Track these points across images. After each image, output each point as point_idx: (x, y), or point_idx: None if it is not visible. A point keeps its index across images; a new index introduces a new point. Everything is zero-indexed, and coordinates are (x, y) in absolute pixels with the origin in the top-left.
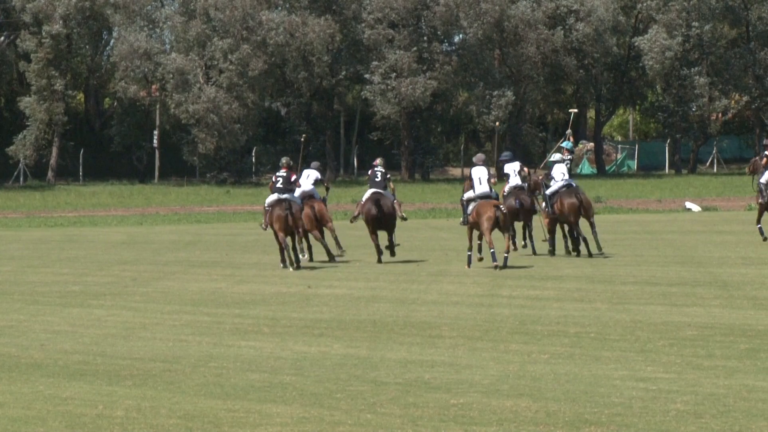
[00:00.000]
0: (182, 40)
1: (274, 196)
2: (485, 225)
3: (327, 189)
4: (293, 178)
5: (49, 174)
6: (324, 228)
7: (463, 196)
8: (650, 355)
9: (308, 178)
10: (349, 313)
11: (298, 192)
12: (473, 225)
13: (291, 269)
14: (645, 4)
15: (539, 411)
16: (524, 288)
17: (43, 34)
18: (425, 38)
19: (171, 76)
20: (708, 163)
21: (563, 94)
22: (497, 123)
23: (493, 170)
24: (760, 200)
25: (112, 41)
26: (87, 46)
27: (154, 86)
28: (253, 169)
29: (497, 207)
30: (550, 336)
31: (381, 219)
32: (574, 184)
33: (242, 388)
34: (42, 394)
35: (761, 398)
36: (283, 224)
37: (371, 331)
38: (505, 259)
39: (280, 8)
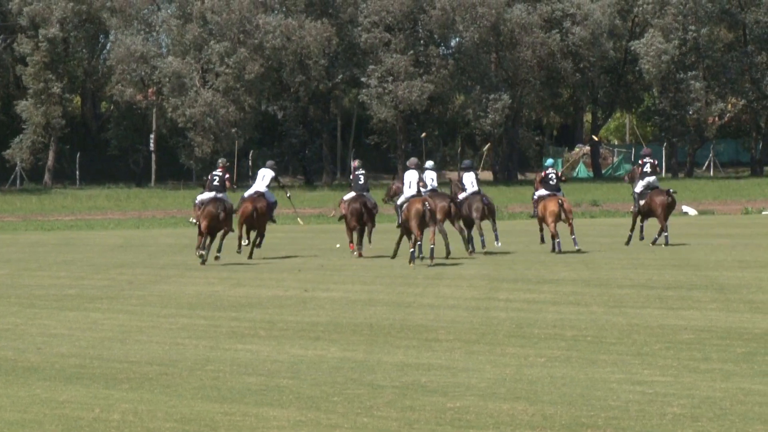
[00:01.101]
0: (179, 43)
1: (209, 194)
2: (413, 222)
3: (287, 192)
4: (226, 176)
5: (46, 177)
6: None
7: (396, 202)
8: (647, 358)
9: (263, 179)
10: (345, 317)
11: (251, 190)
12: (404, 223)
13: (201, 254)
14: (641, 8)
15: (536, 414)
16: (521, 291)
17: (40, 37)
18: (422, 42)
19: (167, 79)
20: (705, 167)
21: (560, 98)
22: (423, 134)
23: (436, 175)
24: (632, 209)
25: (109, 45)
26: (84, 50)
27: (150, 90)
28: (250, 173)
29: (424, 202)
30: (547, 339)
31: (363, 214)
32: (481, 192)
33: (239, 391)
34: (39, 397)
35: (758, 401)
36: (210, 221)
37: (368, 334)
38: (432, 250)
39: (276, 12)
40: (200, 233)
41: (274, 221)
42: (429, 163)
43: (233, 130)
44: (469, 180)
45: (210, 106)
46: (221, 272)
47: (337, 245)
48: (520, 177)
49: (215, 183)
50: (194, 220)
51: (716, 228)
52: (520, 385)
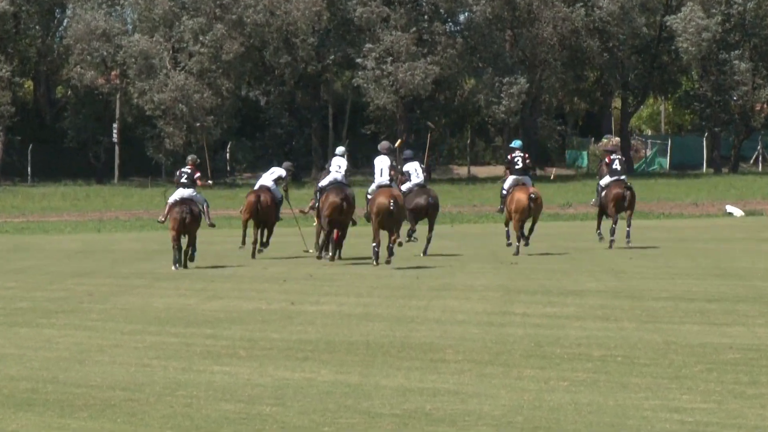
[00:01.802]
0: (146, 19)
1: (176, 194)
2: (373, 218)
3: (285, 191)
4: (197, 175)
5: None
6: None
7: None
8: (686, 381)
9: (272, 174)
10: (338, 334)
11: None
12: (367, 216)
13: (175, 268)
14: None
15: None
16: (540, 305)
17: None
18: (426, 17)
19: (133, 60)
20: (752, 161)
21: (585, 82)
22: (398, 143)
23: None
24: (591, 202)
25: (66, 21)
26: (37, 27)
27: (114, 72)
28: (228, 168)
29: (390, 197)
30: (571, 360)
31: (343, 211)
32: (427, 186)
33: (215, 420)
34: None
35: None
36: (178, 225)
37: (364, 354)
38: (390, 249)
39: None
40: (171, 239)
41: (279, 218)
42: (339, 149)
43: (209, 119)
44: (413, 167)
45: (182, 91)
46: (195, 282)
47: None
48: (538, 173)
49: (183, 180)
50: (162, 219)
51: (765, 231)
52: (539, 413)
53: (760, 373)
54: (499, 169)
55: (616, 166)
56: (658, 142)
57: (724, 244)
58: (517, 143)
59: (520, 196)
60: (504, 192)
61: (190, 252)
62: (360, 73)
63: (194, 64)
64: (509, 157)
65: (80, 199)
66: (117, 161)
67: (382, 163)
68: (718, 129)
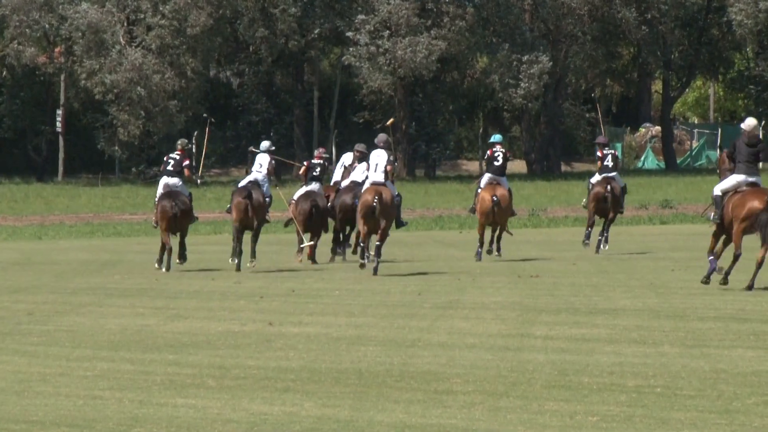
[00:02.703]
0: None
1: (161, 185)
2: (359, 216)
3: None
4: (185, 163)
5: None
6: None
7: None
8: (737, 416)
9: (262, 167)
10: (325, 360)
11: (245, 181)
12: (357, 213)
13: (163, 270)
14: None
15: None
16: (565, 325)
17: None
18: None
19: (81, 34)
20: None
21: (619, 60)
22: (389, 122)
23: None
24: (583, 202)
25: None
26: None
27: (57, 49)
28: (194, 163)
29: (375, 194)
30: (601, 391)
31: (314, 216)
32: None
33: None
34: None
35: None
36: (168, 222)
37: (356, 384)
38: (378, 247)
39: None
40: (162, 238)
41: (267, 221)
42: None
43: (171, 104)
44: (375, 161)
45: (139, 71)
46: (155, 300)
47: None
48: (564, 168)
49: (169, 168)
50: (154, 224)
51: None
52: None
53: None
54: (516, 165)
55: (608, 162)
56: (707, 132)
57: None
58: (497, 137)
59: (485, 196)
60: (478, 191)
61: (180, 250)
62: (351, 49)
63: (153, 39)
64: (489, 152)
65: (17, 200)
66: (61, 155)
67: (378, 158)
68: None
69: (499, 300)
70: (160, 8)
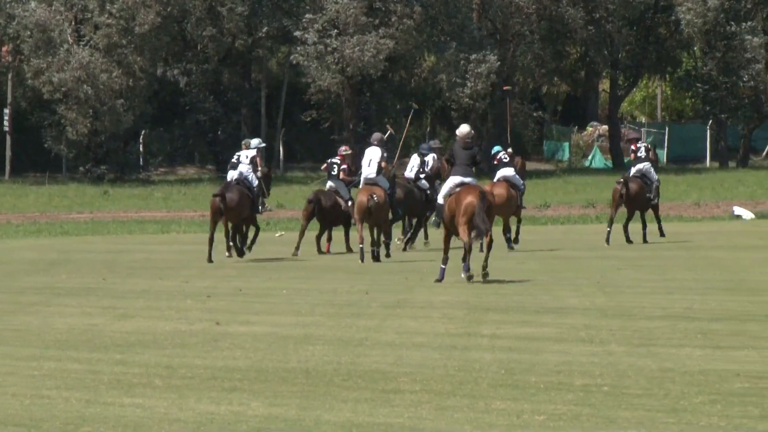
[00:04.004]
0: None
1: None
2: (356, 215)
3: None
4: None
5: None
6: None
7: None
8: (684, 415)
9: (247, 159)
10: (272, 360)
11: (234, 174)
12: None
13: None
14: None
15: None
16: (513, 324)
17: None
18: None
19: (28, 33)
20: (765, 154)
21: (567, 59)
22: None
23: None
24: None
25: None
26: None
27: (4, 48)
28: (141, 161)
29: (370, 194)
30: (548, 390)
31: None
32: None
33: None
34: None
35: None
36: (214, 215)
37: (303, 383)
38: (386, 245)
39: None
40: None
41: (259, 212)
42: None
43: (119, 103)
44: (369, 157)
45: (87, 70)
46: (102, 299)
47: (280, 233)
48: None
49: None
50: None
51: None
52: None
53: None
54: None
55: (641, 153)
56: (654, 131)
57: (731, 253)
58: (497, 149)
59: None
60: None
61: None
62: (299, 48)
63: (101, 37)
64: (495, 161)
65: None
66: (8, 154)
67: (372, 154)
68: (724, 116)
69: (446, 299)
70: (108, 7)
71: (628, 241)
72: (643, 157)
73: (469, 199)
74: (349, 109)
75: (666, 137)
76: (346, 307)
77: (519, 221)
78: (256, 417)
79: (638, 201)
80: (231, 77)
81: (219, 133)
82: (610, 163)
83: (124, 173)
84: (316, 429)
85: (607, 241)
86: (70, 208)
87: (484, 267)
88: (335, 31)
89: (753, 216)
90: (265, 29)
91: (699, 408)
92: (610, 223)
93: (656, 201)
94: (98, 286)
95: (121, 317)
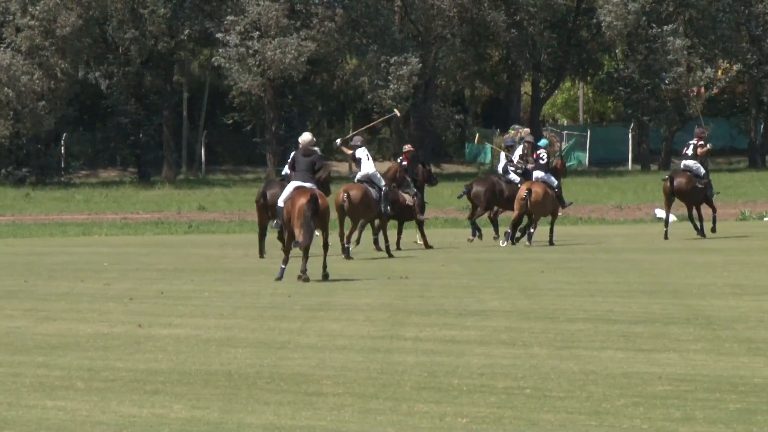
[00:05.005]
0: None
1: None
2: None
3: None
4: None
5: None
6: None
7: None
8: (607, 418)
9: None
10: (194, 362)
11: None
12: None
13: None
14: None
15: None
16: (435, 327)
17: None
18: None
19: None
20: None
21: (488, 62)
22: (396, 109)
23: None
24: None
25: None
26: None
27: None
28: (63, 164)
29: (343, 192)
30: (471, 392)
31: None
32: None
33: None
34: None
35: None
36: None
37: (225, 386)
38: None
39: None
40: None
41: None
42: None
43: (40, 105)
44: (365, 153)
45: (8, 72)
46: (24, 302)
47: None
48: (434, 170)
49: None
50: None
51: (702, 240)
52: None
53: (694, 408)
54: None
55: (689, 151)
56: (576, 133)
57: (652, 255)
58: (543, 142)
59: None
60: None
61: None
62: (221, 50)
63: (22, 40)
64: (534, 155)
65: None
66: None
67: (361, 153)
68: (646, 118)
69: (369, 301)
70: (29, 9)
71: (700, 233)
72: (690, 154)
73: (301, 201)
74: (271, 111)
75: (588, 140)
76: (269, 309)
77: (554, 219)
78: (178, 420)
79: (688, 194)
80: (153, 80)
81: (141, 135)
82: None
83: (46, 176)
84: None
85: (665, 236)
86: None
87: (324, 267)
88: (257, 33)
89: (675, 219)
90: (186, 31)
91: (621, 410)
92: (666, 220)
93: (711, 194)
94: (20, 289)
95: (42, 320)
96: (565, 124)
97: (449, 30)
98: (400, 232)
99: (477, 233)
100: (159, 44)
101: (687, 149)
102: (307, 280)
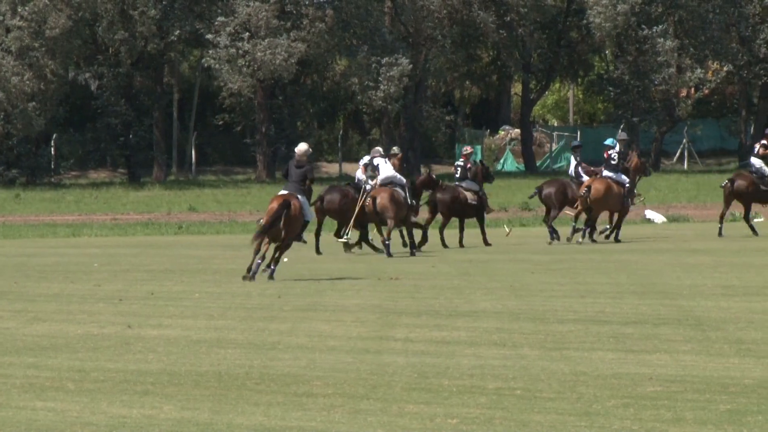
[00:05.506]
0: None
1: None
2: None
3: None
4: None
5: None
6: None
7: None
8: (597, 419)
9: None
10: (184, 363)
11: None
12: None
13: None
14: None
15: None
16: (426, 328)
17: None
18: None
19: None
20: (676, 158)
21: (478, 63)
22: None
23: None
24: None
25: None
26: None
27: None
28: (53, 165)
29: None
30: (461, 393)
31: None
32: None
33: None
34: None
35: None
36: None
37: (215, 387)
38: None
39: None
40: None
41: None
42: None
43: (30, 106)
44: (382, 160)
45: None
46: (14, 303)
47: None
48: (423, 170)
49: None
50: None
51: (692, 241)
52: None
53: (685, 409)
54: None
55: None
56: (566, 134)
57: (642, 256)
58: (610, 141)
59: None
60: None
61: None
62: (211, 51)
63: (12, 41)
64: (605, 155)
65: None
66: None
67: (380, 160)
68: (636, 119)
69: (359, 302)
70: (19, 10)
71: (755, 232)
72: (759, 153)
73: (273, 204)
74: (262, 112)
75: (578, 140)
76: (259, 310)
77: (621, 217)
78: (168, 420)
79: (748, 194)
80: (143, 81)
81: (131, 136)
82: (522, 167)
83: (36, 177)
84: None
85: (720, 233)
86: None
87: (268, 265)
88: (247, 34)
89: (665, 219)
90: (177, 32)
91: (611, 411)
92: (721, 218)
93: None
94: (10, 290)
95: (32, 321)
96: (555, 125)
97: (439, 31)
98: (462, 230)
99: (554, 236)
100: (149, 45)
101: (758, 148)
102: (252, 279)
